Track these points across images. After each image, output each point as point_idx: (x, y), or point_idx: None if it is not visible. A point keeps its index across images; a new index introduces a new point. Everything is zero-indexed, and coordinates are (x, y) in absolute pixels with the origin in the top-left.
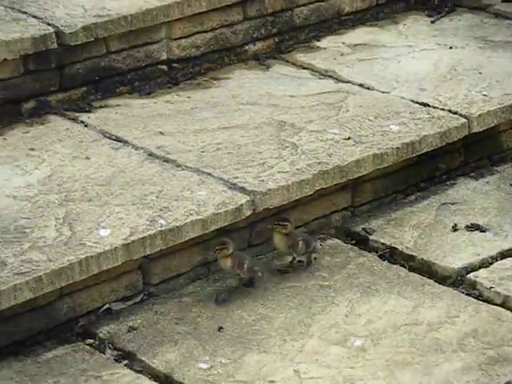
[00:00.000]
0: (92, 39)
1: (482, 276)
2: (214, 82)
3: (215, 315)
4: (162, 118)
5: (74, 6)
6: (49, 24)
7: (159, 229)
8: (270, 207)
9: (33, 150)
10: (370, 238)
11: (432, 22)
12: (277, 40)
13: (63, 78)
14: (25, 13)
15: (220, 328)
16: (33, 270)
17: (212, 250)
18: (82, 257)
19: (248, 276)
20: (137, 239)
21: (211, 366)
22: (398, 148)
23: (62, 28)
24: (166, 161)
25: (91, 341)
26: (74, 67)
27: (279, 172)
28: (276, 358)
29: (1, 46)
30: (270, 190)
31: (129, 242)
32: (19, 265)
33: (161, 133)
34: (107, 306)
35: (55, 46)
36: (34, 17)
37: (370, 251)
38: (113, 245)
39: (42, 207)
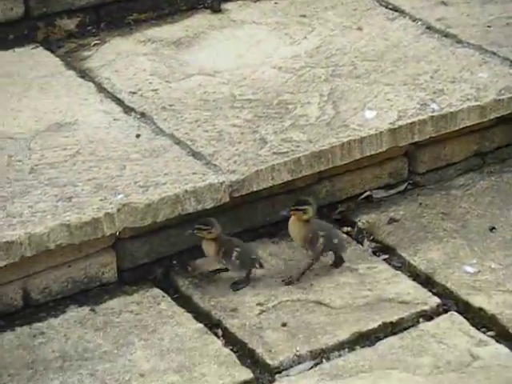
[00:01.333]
0: None
1: None
2: None
3: (487, 213)
4: None
5: None
6: None
7: (430, 114)
8: None
9: (304, 16)
10: None
11: None
12: None
13: None
14: None
15: (492, 228)
16: (292, 150)
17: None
18: (345, 140)
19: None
20: (404, 124)
21: (478, 271)
22: None
23: None
24: (446, 35)
25: (349, 229)
26: None
27: None
28: None
29: None
30: None
31: (396, 126)
32: (279, 144)
33: (443, 3)
34: (368, 193)
35: None
36: None
37: None
38: (378, 129)
39: (307, 81)
